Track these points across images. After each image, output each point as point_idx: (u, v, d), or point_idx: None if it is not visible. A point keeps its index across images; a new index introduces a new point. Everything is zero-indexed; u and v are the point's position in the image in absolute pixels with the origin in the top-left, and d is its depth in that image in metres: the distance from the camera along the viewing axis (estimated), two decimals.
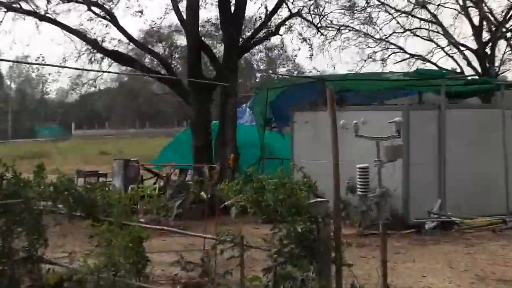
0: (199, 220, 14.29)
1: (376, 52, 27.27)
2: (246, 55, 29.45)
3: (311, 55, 22.26)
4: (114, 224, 7.30)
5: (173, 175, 18.66)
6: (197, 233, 8.94)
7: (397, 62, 27.59)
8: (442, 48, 26.50)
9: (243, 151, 17.35)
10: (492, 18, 24.80)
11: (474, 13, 25.05)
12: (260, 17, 20.40)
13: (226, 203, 7.94)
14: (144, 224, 8.39)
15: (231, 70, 16.96)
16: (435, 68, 24.27)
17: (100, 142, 54.39)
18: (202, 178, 15.18)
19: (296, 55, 43.44)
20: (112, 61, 20.05)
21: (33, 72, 46.29)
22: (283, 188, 6.85)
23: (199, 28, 18.08)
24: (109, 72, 20.61)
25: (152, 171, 18.70)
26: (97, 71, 21.64)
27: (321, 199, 6.89)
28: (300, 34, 21.48)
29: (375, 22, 24.33)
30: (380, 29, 27.22)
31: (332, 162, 7.29)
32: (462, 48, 25.49)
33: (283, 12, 20.12)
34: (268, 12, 19.25)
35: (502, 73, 25.87)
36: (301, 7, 20.17)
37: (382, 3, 24.55)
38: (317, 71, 26.55)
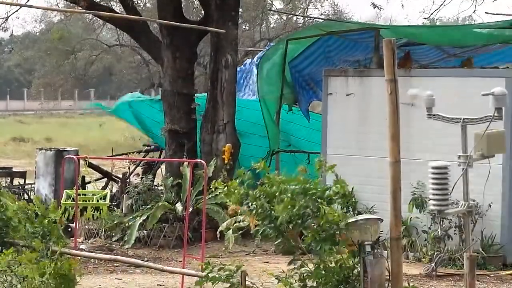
0: (174, 248, 14.38)
1: None
2: None
3: None
4: (32, 252, 7.34)
5: (134, 176, 18.72)
6: (171, 268, 8.98)
7: None
8: None
9: (247, 140, 17.37)
10: None
11: None
12: None
13: (221, 227, 7.98)
14: (86, 253, 8.45)
15: (228, 8, 16.96)
16: None
17: (14, 122, 54.46)
18: (180, 181, 15.23)
19: None
20: None
21: None
22: (304, 197, 6.90)
23: None
24: (28, 6, 20.34)
25: (100, 169, 18.75)
26: (9, 4, 21.63)
27: (370, 216, 6.94)
28: None
29: None
30: None
31: (389, 158, 7.32)
32: None
33: None
34: None
35: None
36: None
37: None
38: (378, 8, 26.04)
